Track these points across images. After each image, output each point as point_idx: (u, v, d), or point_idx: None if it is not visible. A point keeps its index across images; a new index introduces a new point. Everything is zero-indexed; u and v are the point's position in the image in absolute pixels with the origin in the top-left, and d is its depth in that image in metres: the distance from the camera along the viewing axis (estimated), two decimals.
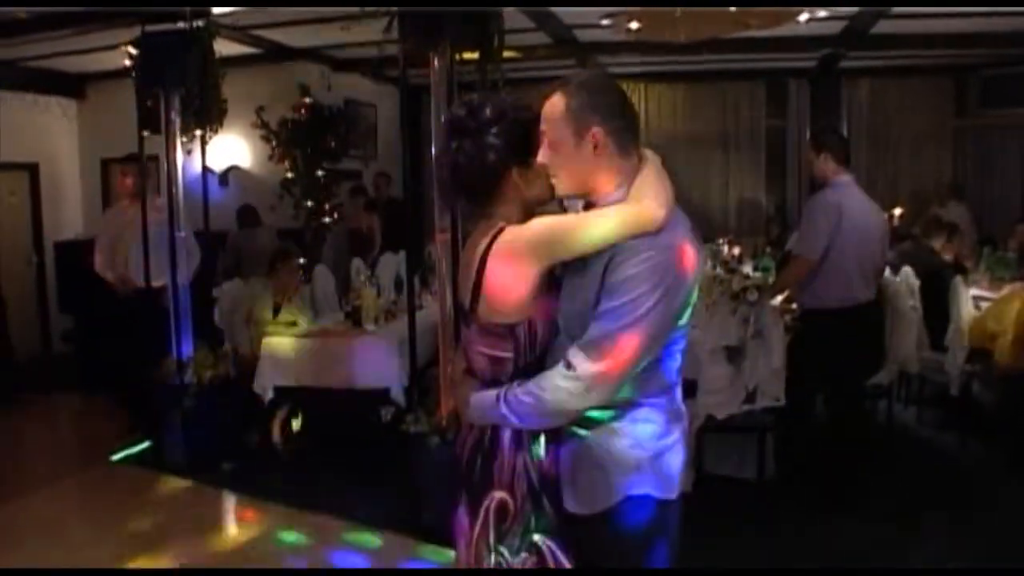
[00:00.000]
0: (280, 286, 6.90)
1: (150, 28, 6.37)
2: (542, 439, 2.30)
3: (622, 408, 2.20)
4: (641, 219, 2.10)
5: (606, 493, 2.22)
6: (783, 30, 7.75)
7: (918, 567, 4.45)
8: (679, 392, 2.34)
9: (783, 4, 6.96)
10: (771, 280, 6.44)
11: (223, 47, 6.87)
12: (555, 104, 2.19)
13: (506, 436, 2.31)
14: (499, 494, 2.31)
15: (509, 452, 2.31)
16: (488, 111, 2.28)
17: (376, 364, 6.08)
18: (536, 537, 2.31)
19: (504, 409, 2.20)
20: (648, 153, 2.28)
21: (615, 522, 2.23)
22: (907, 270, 6.53)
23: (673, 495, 2.29)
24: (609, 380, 2.08)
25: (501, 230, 2.23)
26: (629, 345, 2.05)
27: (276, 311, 6.85)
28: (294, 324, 6.70)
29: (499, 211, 2.31)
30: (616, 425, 2.21)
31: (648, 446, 2.22)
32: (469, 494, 2.38)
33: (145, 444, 6.55)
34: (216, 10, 6.61)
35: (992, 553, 4.56)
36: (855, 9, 7.83)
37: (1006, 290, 6.71)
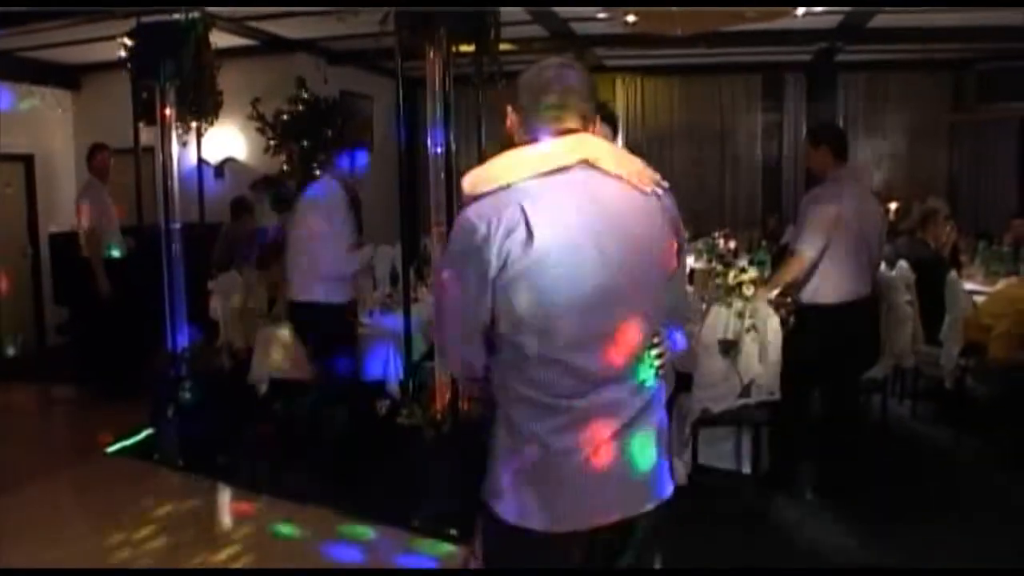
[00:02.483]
0: (271, 278, 6.89)
1: (146, 19, 6.36)
2: None
3: None
4: None
5: None
6: (779, 24, 7.76)
7: (911, 563, 4.46)
8: None
9: (779, 4, 6.97)
10: (767, 274, 6.44)
11: (219, 38, 6.84)
12: None
13: None
14: None
15: None
16: None
17: (372, 357, 6.07)
18: None
19: None
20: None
21: None
22: (902, 264, 6.53)
23: None
24: None
25: None
26: None
27: (271, 304, 6.84)
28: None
29: None
30: None
31: None
32: None
33: (142, 436, 6.54)
34: (212, 7, 6.60)
35: (987, 547, 4.57)
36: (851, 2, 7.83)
37: (1001, 284, 6.74)
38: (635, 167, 2.19)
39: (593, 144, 2.18)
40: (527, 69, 2.27)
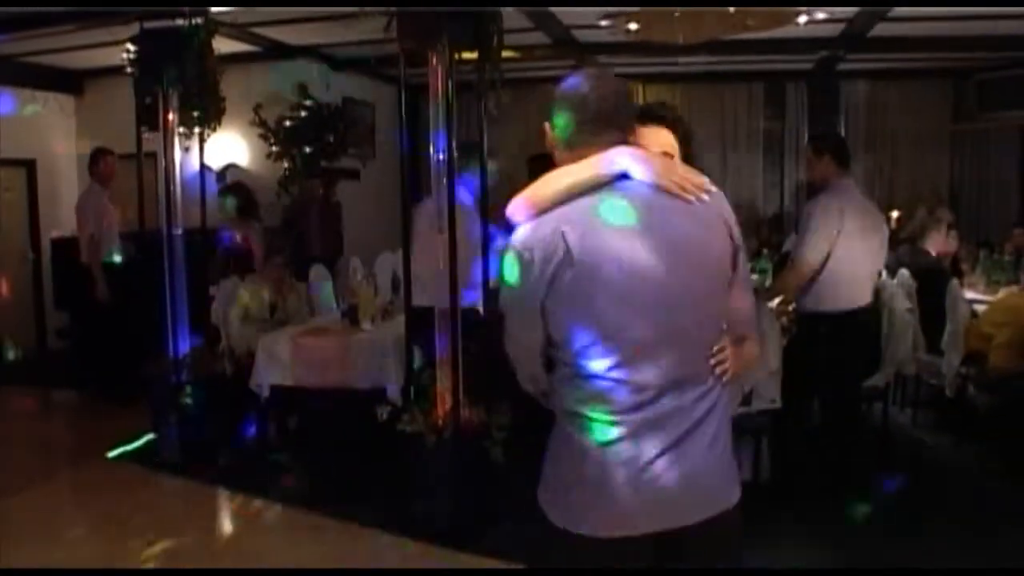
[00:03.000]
0: (270, 284, 6.91)
1: (149, 25, 6.37)
2: None
3: None
4: None
5: None
6: (781, 32, 7.76)
7: (914, 569, 4.46)
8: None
9: (783, 4, 6.97)
10: (768, 282, 6.44)
11: (222, 44, 6.86)
12: None
13: None
14: None
15: None
16: None
17: (372, 363, 6.07)
18: None
19: None
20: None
21: None
22: (904, 273, 6.53)
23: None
24: None
25: None
26: None
27: (272, 309, 6.84)
28: (290, 322, 6.70)
29: None
30: None
31: None
32: None
33: (143, 440, 6.54)
34: (215, 7, 6.61)
35: (987, 554, 4.57)
36: (853, 11, 7.84)
37: (1002, 293, 6.74)
38: (675, 175, 2.15)
39: (630, 156, 2.16)
40: (562, 81, 2.27)
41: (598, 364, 2.09)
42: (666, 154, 2.45)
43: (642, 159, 2.16)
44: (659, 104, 2.76)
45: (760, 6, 6.80)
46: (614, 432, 2.10)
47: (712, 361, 2.16)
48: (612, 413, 2.11)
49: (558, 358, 2.19)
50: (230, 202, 7.68)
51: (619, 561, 2.15)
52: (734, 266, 2.22)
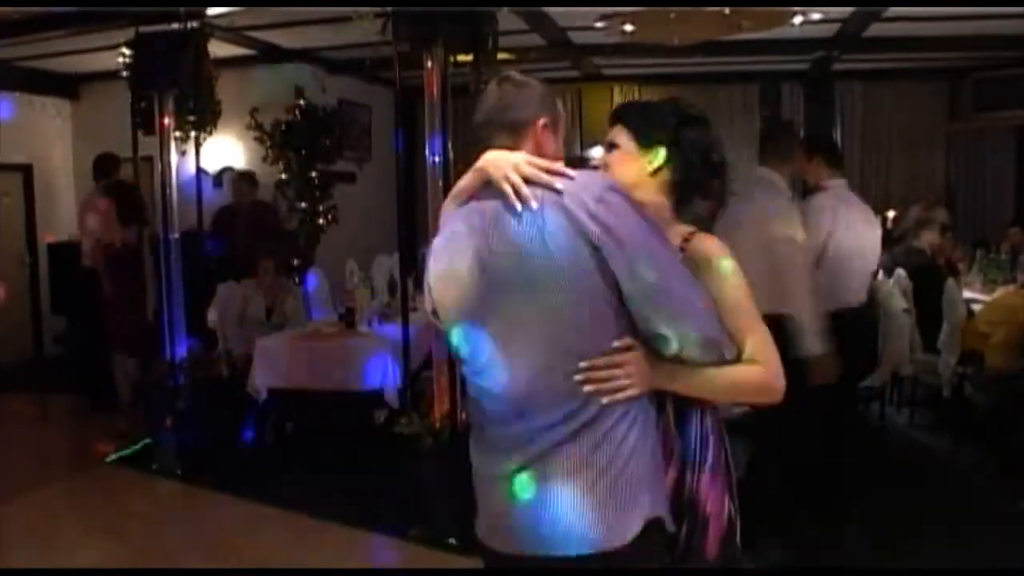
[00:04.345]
0: (265, 287, 6.91)
1: (144, 29, 6.37)
2: None
3: None
4: None
5: None
6: (776, 33, 7.76)
7: (910, 568, 4.46)
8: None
9: (778, 4, 6.97)
10: None
11: (217, 48, 6.86)
12: None
13: None
14: None
15: None
16: None
17: (369, 366, 6.08)
18: None
19: None
20: None
21: None
22: (900, 272, 6.54)
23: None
24: None
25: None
26: None
27: (269, 312, 6.85)
28: (286, 325, 6.70)
29: None
30: None
31: None
32: None
33: (140, 445, 6.54)
34: (211, 11, 6.61)
35: (984, 554, 4.58)
36: (848, 11, 7.85)
37: (998, 292, 6.75)
38: (506, 177, 1.98)
39: (483, 159, 2.09)
40: None
41: (465, 368, 2.12)
42: (612, 147, 2.27)
43: (485, 161, 2.08)
44: (624, 103, 2.60)
45: (756, 6, 6.80)
46: (474, 440, 2.14)
47: (578, 378, 1.93)
48: (475, 419, 2.14)
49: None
50: (108, 205, 7.05)
51: None
52: (611, 273, 1.91)
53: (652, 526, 1.96)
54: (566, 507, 1.94)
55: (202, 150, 6.85)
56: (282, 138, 9.27)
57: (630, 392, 1.96)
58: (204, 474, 6.05)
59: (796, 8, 7.03)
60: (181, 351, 6.53)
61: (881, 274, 6.35)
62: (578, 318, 1.94)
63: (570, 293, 1.92)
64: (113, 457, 6.42)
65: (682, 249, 2.13)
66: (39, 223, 10.38)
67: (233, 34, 8.10)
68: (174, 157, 6.55)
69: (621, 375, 1.95)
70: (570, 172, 1.98)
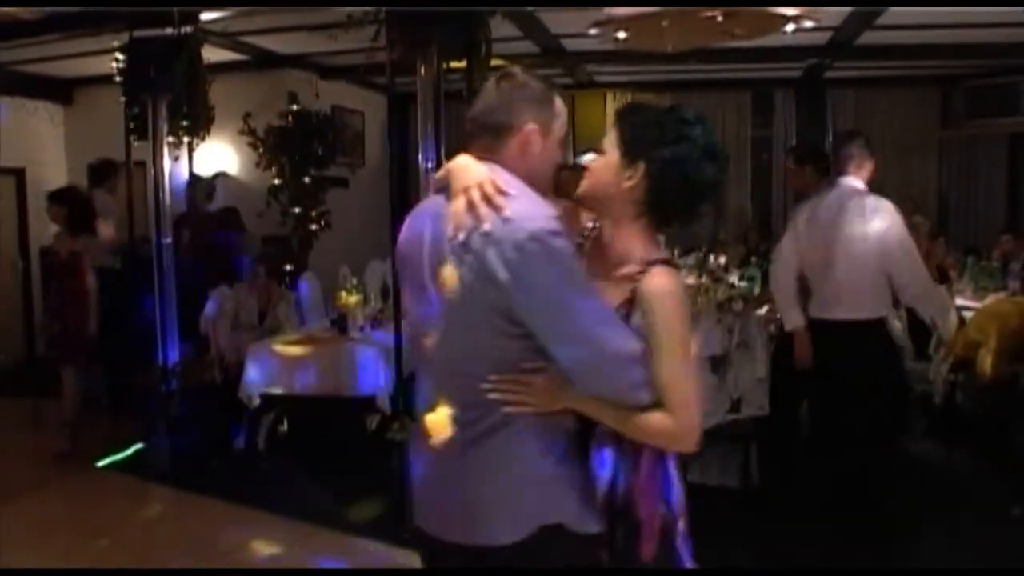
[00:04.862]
0: (257, 292, 6.91)
1: (138, 34, 6.38)
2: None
3: None
4: None
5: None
6: (769, 40, 7.78)
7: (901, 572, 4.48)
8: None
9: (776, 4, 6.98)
10: (756, 290, 6.46)
11: (211, 54, 6.88)
12: None
13: None
14: None
15: None
16: None
17: (362, 371, 6.08)
18: None
19: None
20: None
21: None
22: None
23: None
24: None
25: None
26: None
27: (261, 317, 6.84)
28: (279, 330, 6.70)
29: None
30: None
31: None
32: None
33: (133, 450, 6.52)
34: (204, 16, 6.61)
35: (976, 560, 4.58)
36: (841, 18, 7.87)
37: (990, 300, 6.76)
38: (459, 201, 2.02)
39: (448, 167, 2.15)
40: None
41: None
42: (595, 153, 2.26)
43: (455, 167, 2.12)
44: (629, 104, 2.46)
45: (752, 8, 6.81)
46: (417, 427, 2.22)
47: (484, 386, 2.02)
48: (417, 407, 2.23)
49: None
50: (57, 212, 6.68)
51: (425, 560, 2.29)
52: (516, 316, 1.97)
53: (550, 531, 2.03)
54: (464, 498, 2.08)
55: (195, 155, 6.85)
56: (275, 143, 9.28)
57: (530, 409, 2.02)
58: (196, 478, 6.04)
59: (789, 15, 7.04)
60: (173, 356, 6.53)
61: None
62: (477, 342, 2.03)
63: (465, 319, 2.02)
64: (105, 462, 6.41)
65: (636, 279, 2.09)
66: (32, 227, 10.35)
67: (227, 39, 8.10)
68: (167, 162, 6.55)
69: (524, 392, 2.01)
70: (509, 208, 1.97)
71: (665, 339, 2.02)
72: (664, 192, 2.13)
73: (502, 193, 1.99)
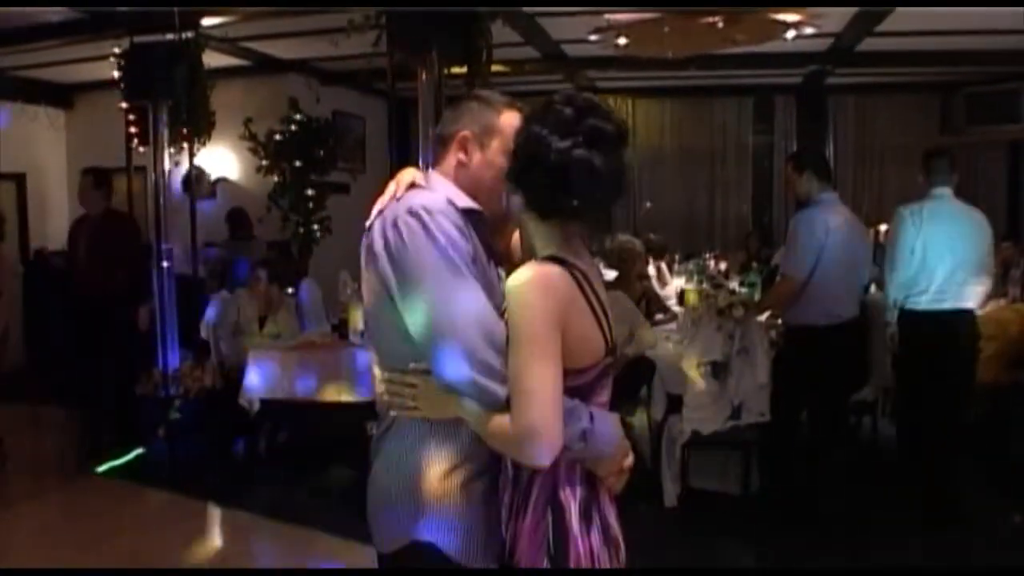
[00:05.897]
0: (258, 298, 6.90)
1: (139, 39, 6.38)
2: None
3: None
4: None
5: None
6: (770, 46, 7.79)
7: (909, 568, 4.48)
8: None
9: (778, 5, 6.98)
10: (757, 296, 6.46)
11: (212, 59, 6.88)
12: None
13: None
14: None
15: None
16: None
17: (362, 377, 6.07)
18: None
19: None
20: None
21: None
22: None
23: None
24: None
25: None
26: None
27: (262, 323, 6.84)
28: (279, 336, 6.69)
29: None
30: None
31: None
32: None
33: (132, 455, 6.52)
34: (205, 22, 6.62)
35: (975, 565, 4.58)
36: (842, 24, 7.89)
37: (989, 307, 6.74)
38: (387, 194, 2.16)
39: (400, 176, 2.21)
40: None
41: None
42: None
43: (402, 180, 2.20)
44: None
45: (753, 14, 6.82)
46: None
47: (379, 387, 2.17)
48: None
49: None
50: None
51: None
52: (379, 301, 2.08)
53: (419, 549, 2.05)
54: (379, 504, 2.15)
55: (196, 161, 6.84)
56: (276, 149, 9.28)
57: (415, 413, 2.05)
58: (196, 485, 6.03)
59: (789, 21, 7.05)
60: (174, 362, 6.52)
61: (873, 288, 6.36)
62: (380, 332, 2.17)
63: (374, 302, 2.10)
64: (104, 468, 6.40)
65: None
66: (32, 232, 10.36)
67: (228, 45, 8.11)
68: (168, 167, 6.55)
69: (408, 394, 2.06)
70: (410, 195, 2.08)
71: (512, 332, 1.91)
72: (525, 177, 1.99)
73: (413, 186, 2.12)
